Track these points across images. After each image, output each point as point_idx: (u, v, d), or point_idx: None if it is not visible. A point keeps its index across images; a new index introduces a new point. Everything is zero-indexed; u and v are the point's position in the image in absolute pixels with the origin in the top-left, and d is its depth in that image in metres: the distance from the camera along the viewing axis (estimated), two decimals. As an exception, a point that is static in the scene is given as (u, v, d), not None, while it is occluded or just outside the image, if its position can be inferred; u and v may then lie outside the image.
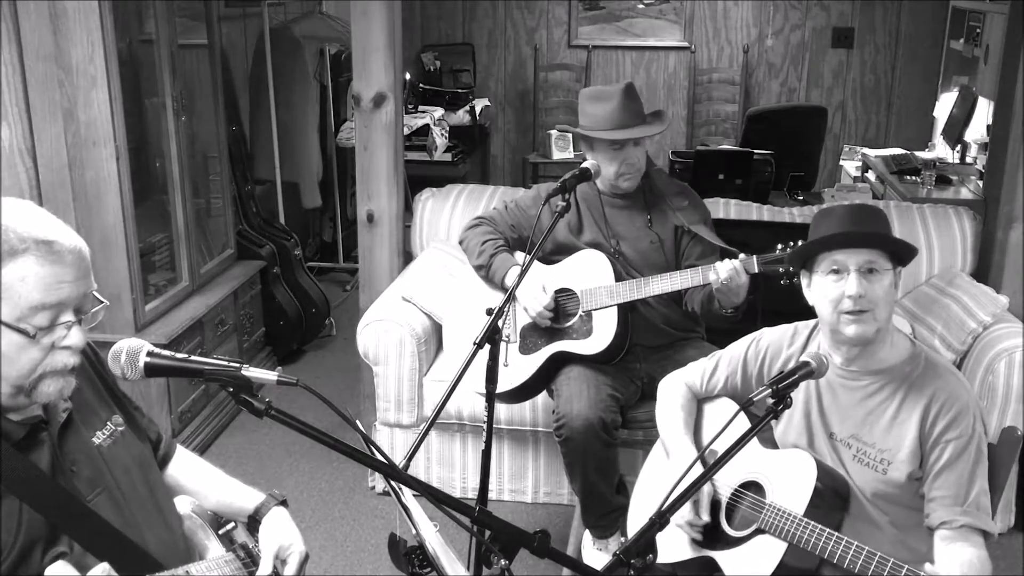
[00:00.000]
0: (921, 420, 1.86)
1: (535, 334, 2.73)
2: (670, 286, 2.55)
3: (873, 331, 1.86)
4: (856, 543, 1.76)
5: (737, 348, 2.18)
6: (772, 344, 2.12)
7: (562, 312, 2.71)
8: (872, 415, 1.92)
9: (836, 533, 1.80)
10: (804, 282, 1.96)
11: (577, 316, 2.68)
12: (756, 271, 2.41)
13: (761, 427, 1.64)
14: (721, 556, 1.98)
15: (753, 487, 2.01)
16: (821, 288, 1.89)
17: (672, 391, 2.25)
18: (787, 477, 1.93)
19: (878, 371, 1.92)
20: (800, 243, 2.30)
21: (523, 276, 2.26)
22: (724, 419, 1.75)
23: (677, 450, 2.14)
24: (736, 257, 2.45)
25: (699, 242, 2.72)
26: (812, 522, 1.82)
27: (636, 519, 2.26)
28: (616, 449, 2.61)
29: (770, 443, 2.08)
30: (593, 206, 2.79)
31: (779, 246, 2.37)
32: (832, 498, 1.90)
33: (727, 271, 2.41)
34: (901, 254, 1.89)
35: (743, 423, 1.77)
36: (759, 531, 1.92)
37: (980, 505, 1.81)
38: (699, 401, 2.24)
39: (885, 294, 1.84)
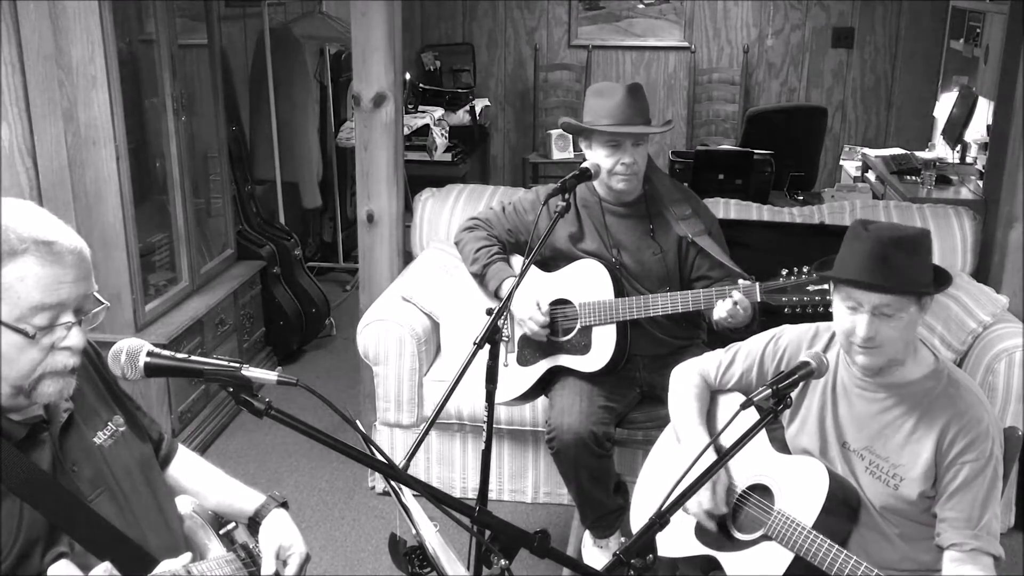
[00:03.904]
0: (938, 440, 1.83)
1: (532, 346, 2.71)
2: (671, 308, 2.52)
3: (882, 363, 1.84)
4: (864, 564, 1.75)
5: (755, 344, 2.14)
6: (791, 344, 2.08)
7: (560, 325, 2.68)
8: (888, 429, 1.89)
9: (844, 551, 1.78)
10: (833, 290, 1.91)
11: (575, 331, 2.65)
12: (758, 300, 2.37)
13: (760, 428, 1.64)
14: (725, 557, 1.97)
15: (761, 490, 1.99)
16: (838, 314, 1.86)
17: (686, 379, 2.21)
18: (798, 485, 1.91)
19: (897, 385, 1.89)
20: (805, 271, 2.28)
21: (522, 278, 2.23)
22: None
23: (690, 438, 2.11)
24: (739, 277, 2.41)
25: (707, 255, 2.64)
26: (821, 536, 1.81)
27: (640, 508, 2.25)
28: (610, 458, 2.59)
29: (781, 445, 2.05)
30: (593, 214, 2.72)
31: (783, 271, 2.32)
32: (842, 510, 1.89)
33: (727, 309, 2.38)
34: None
35: (753, 420, 1.73)
36: (765, 537, 1.91)
37: (991, 530, 1.79)
38: (712, 392, 2.21)
39: (899, 334, 1.80)
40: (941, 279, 1.85)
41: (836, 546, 1.79)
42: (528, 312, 2.61)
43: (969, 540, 1.78)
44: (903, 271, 1.77)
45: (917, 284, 1.79)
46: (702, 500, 1.98)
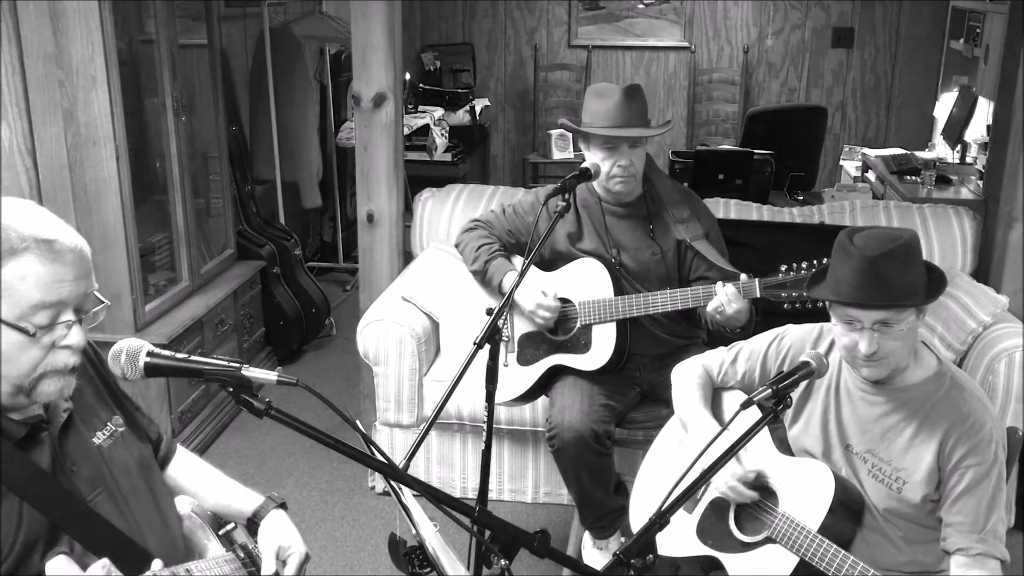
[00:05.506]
0: (940, 444, 1.82)
1: (532, 345, 2.71)
2: (671, 305, 2.51)
3: (887, 372, 1.84)
4: (872, 570, 1.75)
5: (758, 343, 2.13)
6: (794, 344, 2.07)
7: (560, 324, 2.68)
8: (891, 432, 1.89)
9: (851, 556, 1.78)
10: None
11: (575, 329, 2.64)
12: (758, 296, 2.36)
13: (759, 428, 1.63)
14: (727, 558, 1.96)
15: (763, 491, 1.98)
16: (837, 330, 1.85)
17: (690, 373, 2.20)
18: (803, 488, 1.91)
19: (899, 389, 1.88)
20: (804, 266, 2.27)
21: (522, 278, 2.24)
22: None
23: (698, 427, 2.10)
24: (738, 278, 2.40)
25: (704, 257, 2.63)
26: (826, 540, 1.81)
27: (639, 506, 2.25)
28: (610, 457, 2.59)
29: (783, 444, 2.05)
30: (593, 214, 2.71)
31: (782, 267, 2.31)
32: (847, 514, 1.89)
33: (718, 302, 2.37)
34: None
35: (755, 419, 1.72)
36: (769, 539, 1.91)
37: (997, 533, 1.79)
38: (715, 390, 2.20)
39: (901, 343, 1.80)
40: (935, 280, 1.84)
41: (842, 551, 1.78)
42: (535, 300, 2.61)
43: (975, 544, 1.78)
44: (897, 284, 1.76)
45: (913, 294, 1.78)
46: (734, 470, 1.96)
